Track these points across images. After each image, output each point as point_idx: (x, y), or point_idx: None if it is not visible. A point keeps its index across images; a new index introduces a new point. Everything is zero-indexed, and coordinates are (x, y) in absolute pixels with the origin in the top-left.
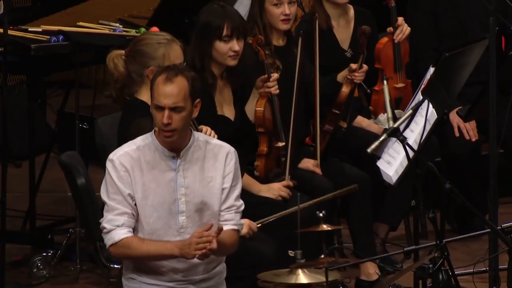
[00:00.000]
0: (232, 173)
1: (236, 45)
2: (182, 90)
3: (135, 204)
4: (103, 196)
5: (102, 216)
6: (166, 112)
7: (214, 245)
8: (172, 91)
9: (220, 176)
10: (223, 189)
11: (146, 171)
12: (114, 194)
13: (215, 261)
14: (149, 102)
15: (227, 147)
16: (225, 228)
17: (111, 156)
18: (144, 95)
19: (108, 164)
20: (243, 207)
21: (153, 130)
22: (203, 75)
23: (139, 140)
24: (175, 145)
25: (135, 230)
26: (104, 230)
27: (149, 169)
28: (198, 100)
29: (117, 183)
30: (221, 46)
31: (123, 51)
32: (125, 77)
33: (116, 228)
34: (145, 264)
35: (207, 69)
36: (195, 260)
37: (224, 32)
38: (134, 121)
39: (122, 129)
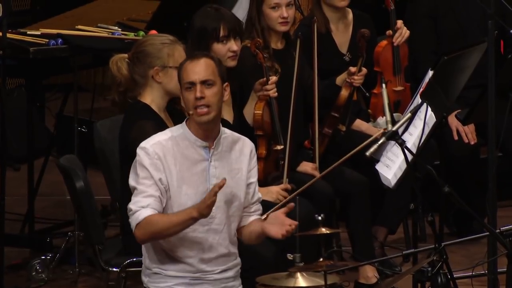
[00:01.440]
0: (256, 167)
1: (234, 45)
2: (210, 66)
3: (167, 190)
4: (132, 182)
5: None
6: (198, 87)
7: (295, 222)
8: (200, 66)
9: (245, 170)
10: (251, 183)
11: (180, 160)
12: (144, 179)
13: (233, 254)
14: (151, 105)
15: (249, 142)
16: (255, 218)
17: (143, 144)
18: (147, 98)
19: (140, 152)
20: (261, 198)
21: (184, 121)
22: None
23: (169, 131)
24: (209, 131)
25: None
26: (130, 212)
27: (183, 159)
28: (226, 83)
29: (149, 168)
30: (219, 47)
31: (125, 55)
32: (128, 80)
33: (141, 209)
34: (171, 255)
35: None
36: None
37: (221, 33)
38: (136, 123)
39: (123, 131)
